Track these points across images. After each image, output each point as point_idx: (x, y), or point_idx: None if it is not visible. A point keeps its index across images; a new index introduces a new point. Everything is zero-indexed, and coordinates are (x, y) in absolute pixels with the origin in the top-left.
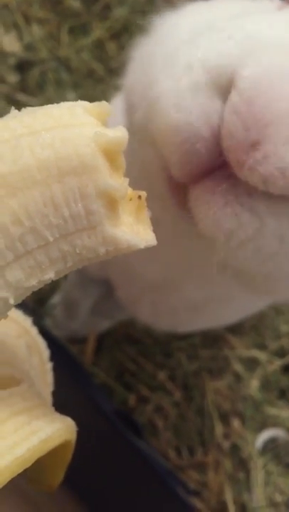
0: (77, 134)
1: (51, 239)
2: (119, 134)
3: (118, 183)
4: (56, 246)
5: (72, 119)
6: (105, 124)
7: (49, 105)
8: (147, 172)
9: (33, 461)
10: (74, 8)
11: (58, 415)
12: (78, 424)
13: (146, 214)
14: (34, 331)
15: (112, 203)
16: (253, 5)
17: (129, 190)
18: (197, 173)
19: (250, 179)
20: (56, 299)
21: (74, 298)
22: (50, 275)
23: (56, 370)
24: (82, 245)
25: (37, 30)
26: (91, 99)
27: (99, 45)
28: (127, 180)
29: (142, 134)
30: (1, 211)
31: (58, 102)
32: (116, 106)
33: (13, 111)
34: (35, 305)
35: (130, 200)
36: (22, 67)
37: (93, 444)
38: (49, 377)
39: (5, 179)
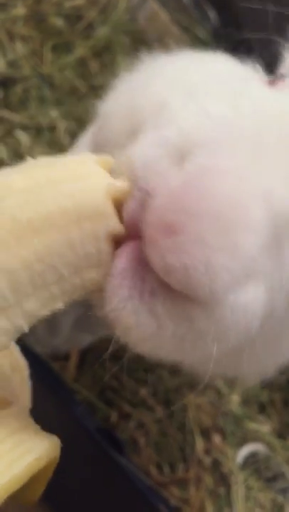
0: (92, 185)
1: (66, 274)
2: (125, 184)
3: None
4: (69, 280)
5: (86, 170)
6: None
7: (64, 157)
8: None
9: (27, 478)
10: (57, 27)
11: (45, 434)
12: (60, 440)
13: None
14: (16, 349)
15: (114, 242)
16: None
17: None
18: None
19: (154, 261)
20: None
21: (55, 314)
22: (60, 305)
23: (39, 387)
24: (90, 279)
25: (20, 48)
26: (73, 116)
27: (81, 63)
28: None
29: None
30: (28, 250)
31: (40, 119)
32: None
33: (29, 160)
34: None
35: None
36: (5, 83)
37: (75, 460)
38: (28, 395)
39: (31, 223)
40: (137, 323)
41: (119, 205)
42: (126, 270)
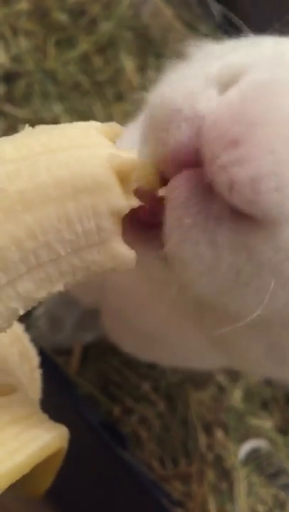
0: (92, 155)
1: (63, 253)
2: (132, 155)
3: (129, 202)
4: (67, 260)
5: (87, 139)
6: (115, 143)
7: (63, 125)
8: None
9: (31, 467)
10: (61, 22)
11: (52, 423)
12: None
13: None
14: (26, 338)
15: (120, 221)
16: None
17: None
18: (172, 158)
19: (218, 180)
20: (40, 310)
21: (58, 312)
22: (59, 287)
23: (42, 380)
24: (92, 260)
25: (24, 43)
26: (77, 112)
27: (85, 58)
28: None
29: None
30: (18, 225)
31: (44, 114)
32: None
33: (27, 128)
34: (21, 315)
35: None
36: (9, 78)
37: (78, 454)
38: (38, 385)
39: (22, 195)
40: (195, 255)
41: (125, 180)
42: (188, 199)
